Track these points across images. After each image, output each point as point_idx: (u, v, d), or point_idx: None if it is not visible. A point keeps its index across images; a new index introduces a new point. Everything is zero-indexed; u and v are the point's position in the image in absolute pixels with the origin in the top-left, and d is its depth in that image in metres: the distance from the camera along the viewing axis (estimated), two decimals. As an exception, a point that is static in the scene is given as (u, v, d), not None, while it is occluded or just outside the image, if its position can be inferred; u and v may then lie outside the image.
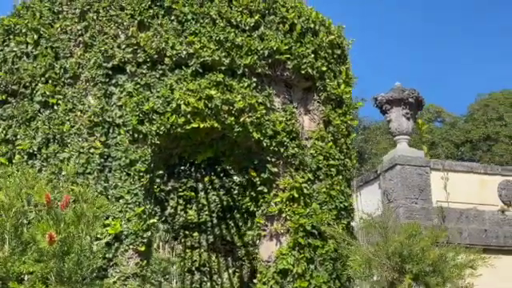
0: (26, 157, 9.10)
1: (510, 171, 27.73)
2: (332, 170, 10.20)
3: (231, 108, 9.37)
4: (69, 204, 6.83)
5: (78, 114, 9.02)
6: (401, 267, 8.56)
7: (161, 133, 9.04)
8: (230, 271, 14.62)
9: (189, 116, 9.08)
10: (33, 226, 7.18)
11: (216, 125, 9.29)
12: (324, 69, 10.49)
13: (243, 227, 14.55)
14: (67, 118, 9.02)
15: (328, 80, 10.57)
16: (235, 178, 14.33)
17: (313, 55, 10.34)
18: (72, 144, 8.88)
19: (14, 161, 9.29)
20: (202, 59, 9.31)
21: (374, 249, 8.85)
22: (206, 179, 14.08)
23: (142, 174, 8.86)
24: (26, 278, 7.10)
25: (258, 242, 10.26)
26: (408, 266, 8.53)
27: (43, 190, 6.92)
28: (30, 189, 7.43)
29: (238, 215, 14.52)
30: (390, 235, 8.87)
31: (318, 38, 10.50)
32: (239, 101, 9.37)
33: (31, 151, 9.07)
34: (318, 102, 10.53)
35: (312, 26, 10.48)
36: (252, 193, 10.09)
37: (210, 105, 9.21)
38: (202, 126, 9.09)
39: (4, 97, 9.77)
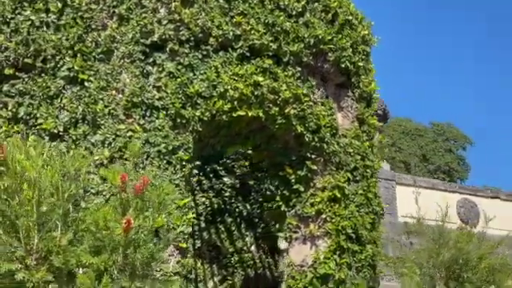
0: (47, 137, 8.08)
1: (467, 189, 28.41)
2: (368, 171, 9.73)
3: (276, 97, 8.73)
4: (146, 187, 5.99)
5: (113, 92, 8.10)
6: (458, 275, 8.16)
7: (205, 119, 8.27)
8: (216, 279, 13.83)
9: (235, 103, 8.36)
10: (92, 210, 6.26)
11: (261, 114, 8.63)
12: (360, 64, 10.05)
13: (236, 232, 13.82)
14: (100, 96, 8.08)
15: (363, 76, 10.13)
16: (226, 179, 13.64)
17: (351, 49, 9.87)
18: (106, 126, 7.95)
19: (28, 142, 8.23)
20: (250, 42, 8.62)
21: (427, 255, 8.42)
22: (194, 180, 13.27)
23: (184, 163, 8.05)
24: (81, 271, 6.16)
25: (288, 245, 9.59)
26: (467, 274, 8.14)
27: (116, 170, 6.03)
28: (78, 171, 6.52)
29: (229, 219, 13.79)
30: (443, 242, 8.48)
31: (355, 32, 10.05)
32: (285, 90, 8.74)
33: (55, 131, 8.05)
34: (352, 98, 10.06)
35: (350, 18, 10.03)
36: (285, 191, 9.42)
37: (256, 92, 8.54)
38: (249, 114, 8.38)
39: (12, 71, 8.69)
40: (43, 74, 8.38)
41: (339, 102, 9.97)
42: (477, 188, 28.59)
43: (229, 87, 8.26)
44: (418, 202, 21.26)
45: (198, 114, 8.24)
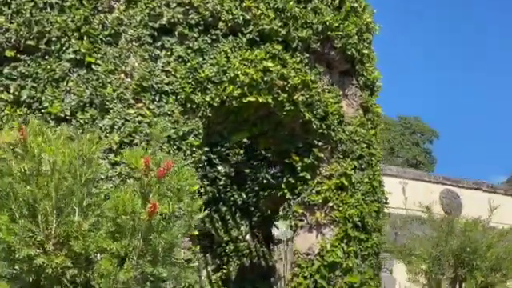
0: (53, 121, 7.92)
1: (450, 180, 28.71)
2: (373, 159, 9.74)
3: (285, 84, 8.67)
4: (169, 172, 5.89)
5: (122, 76, 7.97)
6: (468, 263, 8.21)
7: (214, 104, 8.19)
8: (210, 269, 13.76)
9: (245, 88, 8.29)
10: (110, 195, 6.15)
11: (270, 100, 8.57)
12: (365, 51, 10.03)
13: (230, 221, 13.76)
14: (108, 80, 7.94)
15: (367, 64, 10.12)
16: (220, 168, 13.57)
17: (356, 36, 9.85)
18: (115, 110, 7.81)
19: (30, 125, 8.06)
20: (259, 27, 8.54)
21: (435, 243, 8.46)
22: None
23: (194, 148, 7.96)
24: (98, 256, 6.06)
25: (293, 233, 9.56)
26: (476, 262, 8.20)
27: (138, 153, 5.92)
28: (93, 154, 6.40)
29: (224, 208, 13.71)
30: (451, 231, 8.53)
31: (360, 19, 10.03)
32: (294, 77, 8.68)
33: (62, 115, 7.89)
34: (356, 86, 10.04)
35: (355, 5, 9.99)
36: (290, 179, 9.38)
37: (266, 78, 8.47)
38: (259, 100, 8.32)
39: (13, 53, 8.50)
40: (47, 57, 8.22)
41: (343, 90, 9.95)
42: (459, 179, 28.92)
43: (239, 72, 8.18)
44: (405, 193, 21.46)
45: (207, 99, 8.15)
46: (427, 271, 8.35)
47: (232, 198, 13.49)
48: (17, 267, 5.81)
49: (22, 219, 5.82)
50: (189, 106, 8.04)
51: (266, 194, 12.81)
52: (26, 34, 8.30)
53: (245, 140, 12.17)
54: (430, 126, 50.15)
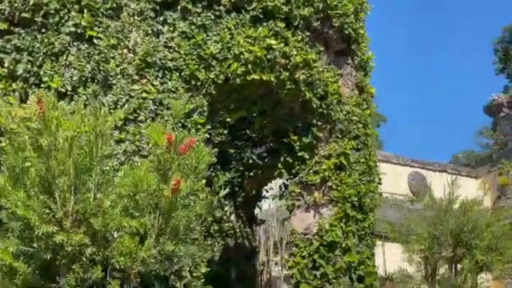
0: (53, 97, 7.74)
1: (418, 163, 29.23)
2: (368, 139, 9.86)
3: (287, 62, 8.69)
4: (191, 148, 5.87)
5: (125, 51, 7.86)
6: (466, 243, 8.42)
7: (219, 82, 8.15)
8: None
9: (249, 66, 8.27)
10: (128, 172, 6.09)
11: (272, 79, 8.57)
12: (361, 32, 10.10)
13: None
14: (111, 55, 7.82)
15: (363, 44, 10.20)
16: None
17: (353, 16, 9.91)
18: (118, 86, 7.71)
19: (29, 101, 7.90)
20: (263, 4, 8.52)
21: (431, 222, 8.65)
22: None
23: (199, 126, 7.92)
24: (115, 235, 6.01)
25: (289, 213, 9.62)
26: (475, 241, 8.41)
27: (159, 128, 5.87)
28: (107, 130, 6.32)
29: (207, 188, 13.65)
30: (449, 211, 8.73)
31: (356, -2, 10.08)
32: (296, 55, 8.70)
33: (63, 90, 7.74)
34: (352, 66, 10.12)
35: (352, -17, 10.03)
36: (288, 158, 9.42)
37: (269, 56, 8.47)
38: (263, 78, 8.32)
39: (6, 26, 8.30)
40: (44, 30, 8.04)
41: (339, 70, 10.00)
42: (426, 162, 29.45)
43: (243, 50, 8.16)
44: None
45: (212, 76, 8.12)
46: (426, 250, 8.52)
47: (216, 178, 13.43)
48: (35, 245, 5.72)
49: (40, 195, 5.73)
50: (193, 83, 7.99)
51: (250, 174, 12.84)
52: (22, 7, 8.11)
53: (228, 119, 12.13)
54: (377, 111, 50.30)
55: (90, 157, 5.93)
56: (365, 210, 9.32)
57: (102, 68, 7.75)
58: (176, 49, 8.04)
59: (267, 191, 13.79)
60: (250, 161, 12.81)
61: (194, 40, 8.08)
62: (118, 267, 5.84)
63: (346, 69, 10.03)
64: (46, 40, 7.99)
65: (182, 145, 5.93)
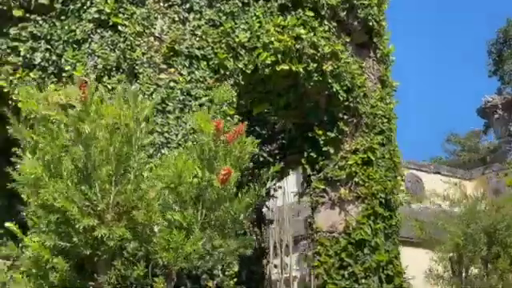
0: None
1: (414, 164, 29.20)
2: (392, 134, 9.66)
3: (315, 53, 8.47)
4: (239, 136, 5.61)
5: (151, 39, 7.58)
6: (501, 241, 8.25)
7: (248, 72, 7.91)
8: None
9: (279, 56, 8.04)
10: (170, 162, 5.82)
11: (301, 70, 8.35)
12: (384, 24, 9.92)
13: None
14: (137, 42, 7.54)
15: (385, 36, 10.02)
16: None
17: (376, 7, 9.72)
18: (145, 75, 7.42)
19: (46, 90, 7.57)
20: (292, -8, 8.29)
21: (462, 220, 8.48)
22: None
23: (228, 118, 7.65)
24: (156, 229, 5.72)
25: (313, 210, 9.38)
26: (510, 239, 8.25)
27: (204, 115, 5.61)
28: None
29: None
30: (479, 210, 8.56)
31: (379, -10, 9.89)
32: (324, 45, 8.48)
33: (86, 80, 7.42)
34: (374, 59, 9.92)
35: (375, -25, 9.84)
36: (312, 154, 9.19)
37: (298, 46, 8.25)
38: (293, 68, 8.09)
39: (21, 13, 8.00)
40: (64, 17, 7.74)
41: (362, 63, 9.80)
42: (421, 163, 29.46)
43: (273, 39, 7.91)
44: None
45: (240, 65, 7.87)
46: (461, 249, 8.33)
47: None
48: (75, 239, 5.41)
49: (81, 186, 5.43)
50: (222, 72, 7.73)
51: (261, 172, 12.50)
52: (37, -9, 7.79)
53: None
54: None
55: (130, 146, 5.64)
56: (391, 208, 9.12)
57: (127, 56, 7.47)
58: (203, 37, 7.79)
59: (275, 190, 13.53)
60: (261, 158, 12.55)
61: (222, 28, 7.82)
62: (161, 263, 5.56)
63: (367, 62, 9.83)
64: (66, 27, 7.70)
65: (230, 132, 5.67)
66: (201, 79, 7.67)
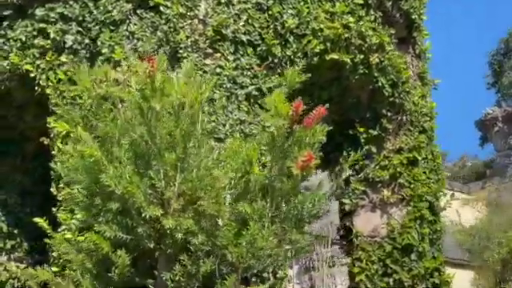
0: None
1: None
2: (433, 134, 9.35)
3: (362, 43, 8.13)
4: (319, 120, 5.24)
5: (195, 21, 7.19)
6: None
7: (296, 60, 7.54)
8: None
9: (328, 44, 7.69)
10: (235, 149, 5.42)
11: (348, 61, 8.00)
12: (424, 18, 9.64)
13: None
14: (180, 25, 7.14)
15: (424, 32, 9.74)
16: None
17: (418, 0, 9.44)
18: (189, 60, 7.01)
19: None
20: (340, -23, 7.96)
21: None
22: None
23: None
24: (220, 222, 5.30)
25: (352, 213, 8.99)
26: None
27: (281, 96, 5.22)
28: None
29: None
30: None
31: (420, -18, 9.61)
32: (372, 36, 8.16)
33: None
34: (412, 55, 9.62)
35: (417, -35, 9.56)
36: (352, 153, 8.81)
37: (346, 35, 7.91)
38: (344, 59, 7.75)
39: (47, -6, 7.59)
40: (98, -5, 7.32)
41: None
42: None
43: (323, 26, 7.56)
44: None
45: (288, 53, 7.49)
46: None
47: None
48: (140, 230, 4.97)
49: (148, 171, 5.00)
50: (270, 59, 7.35)
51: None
52: (69, -28, 7.39)
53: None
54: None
55: (195, 129, 5.23)
56: (435, 212, 8.77)
57: (170, 39, 7.06)
58: (250, 21, 7.40)
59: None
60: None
61: (270, 12, 7.45)
62: (230, 260, 5.13)
63: (406, 58, 9.51)
64: (101, 8, 7.27)
65: (310, 116, 5.28)
66: (247, 66, 7.28)
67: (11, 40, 7.80)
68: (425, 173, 8.78)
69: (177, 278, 5.03)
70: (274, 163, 5.35)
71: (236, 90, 7.19)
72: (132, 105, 5.08)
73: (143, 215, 4.87)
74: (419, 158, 8.58)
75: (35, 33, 7.65)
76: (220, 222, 5.30)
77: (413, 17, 9.25)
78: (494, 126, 30.23)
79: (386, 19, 8.90)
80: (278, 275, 6.75)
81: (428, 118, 9.21)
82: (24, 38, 7.67)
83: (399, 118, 8.73)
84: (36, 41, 7.59)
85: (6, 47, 7.87)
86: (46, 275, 5.34)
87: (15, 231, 8.72)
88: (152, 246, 5.06)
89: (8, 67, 7.74)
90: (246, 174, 5.35)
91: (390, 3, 8.70)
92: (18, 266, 8.60)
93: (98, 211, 5.07)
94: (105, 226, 4.92)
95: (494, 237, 8.37)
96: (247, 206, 5.20)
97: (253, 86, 7.25)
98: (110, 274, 5.00)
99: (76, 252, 5.35)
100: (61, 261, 6.53)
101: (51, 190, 7.18)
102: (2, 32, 7.93)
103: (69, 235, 6.43)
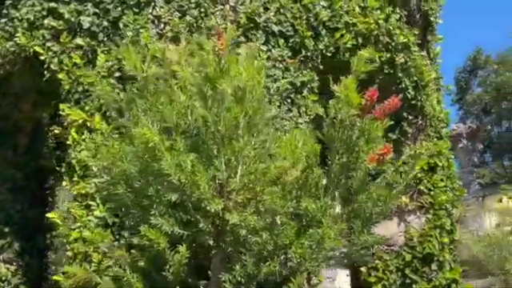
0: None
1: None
2: (449, 139, 9.20)
3: (389, 41, 7.93)
4: (394, 108, 4.99)
5: (226, 7, 6.85)
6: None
7: (328, 54, 7.28)
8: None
9: (359, 39, 7.45)
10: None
11: (377, 59, 7.77)
12: (439, 21, 9.51)
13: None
14: (211, 10, 6.80)
15: (438, 36, 9.61)
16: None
17: (435, 2, 9.31)
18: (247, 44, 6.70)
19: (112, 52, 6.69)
20: (371, -29, 7.75)
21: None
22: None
23: (310, 104, 7.00)
24: (277, 219, 4.96)
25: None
26: None
27: (353, 84, 4.93)
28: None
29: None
30: None
31: (438, -17, 9.48)
32: (399, 35, 7.96)
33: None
34: (426, 59, 9.45)
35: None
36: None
37: (376, 32, 7.68)
38: (376, 55, 7.51)
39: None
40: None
41: (417, 62, 9.31)
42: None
43: (356, 20, 7.31)
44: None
45: (321, 47, 7.22)
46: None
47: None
48: (202, 225, 4.58)
49: (212, 159, 4.63)
50: (304, 52, 7.05)
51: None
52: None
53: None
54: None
55: (258, 117, 4.88)
56: (453, 221, 8.58)
57: (200, 24, 6.68)
58: (281, 11, 7.09)
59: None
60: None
61: (303, 2, 7.16)
62: (295, 261, 4.79)
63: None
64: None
65: (382, 106, 5.00)
66: (279, 58, 6.97)
67: (15, 20, 7.30)
68: (442, 180, 8.57)
69: (236, 280, 4.66)
70: (338, 156, 5.04)
71: (268, 82, 6.85)
72: (193, 86, 4.70)
73: (206, 209, 4.48)
74: (440, 165, 8.37)
75: (45, 12, 7.17)
76: (278, 220, 4.96)
77: (431, 19, 9.08)
78: (458, 142, 30.53)
79: (409, 19, 8.72)
80: (311, 282, 6.41)
81: (444, 125, 9.04)
82: (32, 18, 7.18)
83: (419, 122, 8.52)
84: (46, 21, 7.11)
85: (7, 27, 7.36)
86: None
87: (6, 230, 8.13)
88: (211, 243, 4.68)
89: (12, 49, 7.23)
90: (307, 168, 5.03)
91: (415, 1, 8.51)
92: (8, 268, 8.03)
93: (151, 203, 4.65)
94: (161, 220, 4.51)
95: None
96: (311, 203, 4.88)
97: (285, 79, 6.93)
98: (163, 273, 4.58)
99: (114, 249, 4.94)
100: (77, 260, 6.06)
101: (63, 183, 6.68)
102: (5, 11, 7.43)
103: (87, 232, 6.01)
